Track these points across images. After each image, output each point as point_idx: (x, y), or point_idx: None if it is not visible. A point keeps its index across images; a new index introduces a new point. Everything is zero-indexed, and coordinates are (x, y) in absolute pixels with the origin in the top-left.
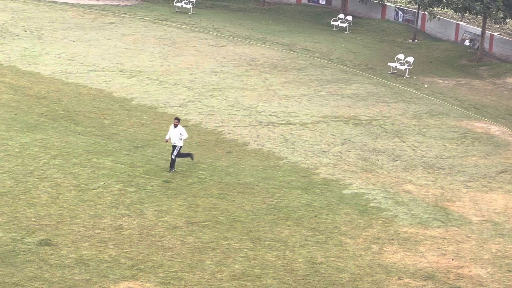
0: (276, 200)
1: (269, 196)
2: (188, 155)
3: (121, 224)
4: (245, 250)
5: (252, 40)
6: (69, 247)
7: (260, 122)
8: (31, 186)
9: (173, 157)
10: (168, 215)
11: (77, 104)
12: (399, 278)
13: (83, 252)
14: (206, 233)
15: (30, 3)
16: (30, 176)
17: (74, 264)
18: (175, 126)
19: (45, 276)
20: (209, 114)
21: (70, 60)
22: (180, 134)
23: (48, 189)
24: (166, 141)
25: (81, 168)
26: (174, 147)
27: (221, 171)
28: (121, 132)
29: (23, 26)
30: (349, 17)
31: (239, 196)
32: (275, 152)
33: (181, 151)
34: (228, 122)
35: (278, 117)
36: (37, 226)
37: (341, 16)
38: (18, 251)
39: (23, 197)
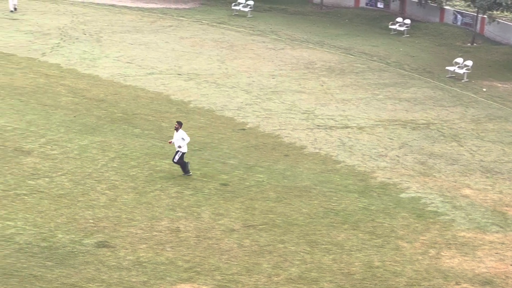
0: (333, 204)
1: (326, 199)
2: (185, 167)
3: (178, 227)
4: (301, 253)
5: (310, 43)
6: (126, 249)
7: (318, 125)
8: (89, 188)
9: (174, 161)
10: (225, 218)
11: (135, 107)
12: (457, 283)
13: (141, 254)
14: (263, 236)
15: (90, 7)
16: (88, 178)
17: (131, 266)
18: (176, 130)
19: (103, 277)
20: (267, 117)
21: (129, 63)
22: (182, 139)
23: (106, 191)
24: (170, 142)
25: (139, 171)
26: (177, 152)
27: (279, 174)
28: None
29: (83, 29)
30: (407, 21)
31: (296, 200)
32: (332, 155)
33: (184, 159)
34: (286, 126)
35: (336, 121)
36: (95, 228)
37: (399, 19)
38: (76, 252)
39: (81, 199)
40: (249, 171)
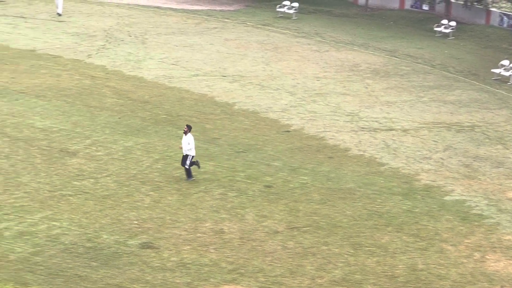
0: (377, 206)
1: (370, 201)
2: (189, 172)
3: (222, 228)
4: (345, 255)
5: (355, 45)
6: (170, 250)
7: (362, 127)
8: (134, 190)
9: (186, 166)
10: (269, 220)
11: (179, 109)
12: (502, 287)
13: (184, 256)
14: (307, 238)
15: (135, 9)
16: (133, 180)
17: (175, 267)
18: (185, 133)
19: (147, 278)
20: (311, 119)
21: (173, 64)
22: (188, 143)
23: (151, 193)
24: (180, 148)
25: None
26: (186, 156)
27: (323, 176)
28: (222, 136)
29: (128, 31)
30: (453, 23)
31: (340, 202)
32: (376, 158)
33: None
34: (330, 128)
35: (380, 123)
36: (140, 229)
37: (445, 21)
38: (121, 253)
39: (126, 200)
40: (293, 173)
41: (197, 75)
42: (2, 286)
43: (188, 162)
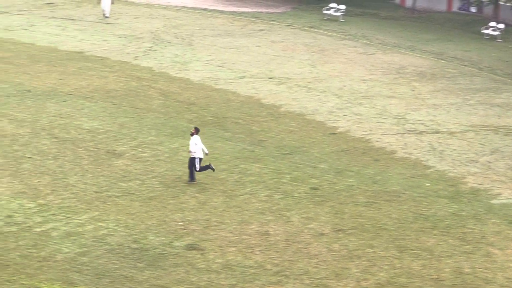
0: (422, 209)
1: (415, 204)
2: (192, 174)
3: (267, 231)
4: (390, 258)
5: (401, 48)
6: (216, 252)
7: (408, 130)
8: (179, 191)
9: (197, 170)
10: (315, 222)
11: (225, 110)
12: None
13: (230, 257)
14: (352, 240)
15: (182, 11)
16: (178, 181)
17: (220, 268)
18: (191, 135)
19: (192, 280)
20: (357, 122)
21: (220, 66)
22: (195, 143)
23: (196, 194)
24: (190, 152)
25: (229, 174)
26: (193, 158)
27: (368, 178)
28: (269, 138)
29: (175, 33)
30: (501, 25)
31: (386, 204)
32: (422, 160)
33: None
34: (376, 130)
35: (426, 126)
36: (185, 230)
37: (492, 24)
38: (166, 254)
39: (171, 201)
40: (339, 175)
41: (244, 77)
42: (50, 285)
43: (197, 166)
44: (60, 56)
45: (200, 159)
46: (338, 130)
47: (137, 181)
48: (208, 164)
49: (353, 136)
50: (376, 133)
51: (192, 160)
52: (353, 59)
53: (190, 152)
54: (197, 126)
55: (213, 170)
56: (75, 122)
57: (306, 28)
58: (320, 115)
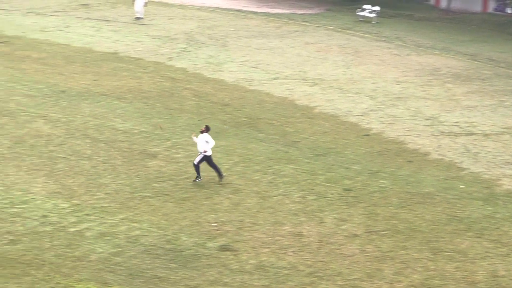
0: (457, 211)
1: (449, 206)
2: (198, 171)
3: (300, 232)
4: (424, 260)
5: (435, 49)
6: (249, 253)
7: (442, 132)
8: (213, 192)
9: (195, 163)
10: (348, 223)
11: (259, 112)
12: None
13: (263, 258)
14: (385, 242)
15: (216, 12)
16: (212, 182)
17: (253, 269)
18: (201, 132)
19: (226, 280)
20: (391, 123)
21: (254, 67)
22: (206, 141)
23: (230, 195)
24: (203, 152)
25: (263, 175)
26: (200, 154)
27: (402, 180)
28: (302, 140)
29: (209, 34)
30: None
31: (419, 206)
32: (456, 162)
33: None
34: (410, 132)
35: (461, 128)
36: (219, 231)
37: None
38: (199, 255)
39: (205, 202)
40: (373, 176)
41: (278, 78)
42: (84, 285)
43: (198, 159)
44: (95, 57)
45: (209, 156)
46: (372, 132)
47: (171, 182)
48: (219, 171)
49: (386, 138)
50: (410, 134)
51: (207, 158)
52: (387, 61)
53: (204, 151)
54: (208, 125)
55: (197, 179)
56: (109, 123)
57: (340, 30)
58: (354, 117)
